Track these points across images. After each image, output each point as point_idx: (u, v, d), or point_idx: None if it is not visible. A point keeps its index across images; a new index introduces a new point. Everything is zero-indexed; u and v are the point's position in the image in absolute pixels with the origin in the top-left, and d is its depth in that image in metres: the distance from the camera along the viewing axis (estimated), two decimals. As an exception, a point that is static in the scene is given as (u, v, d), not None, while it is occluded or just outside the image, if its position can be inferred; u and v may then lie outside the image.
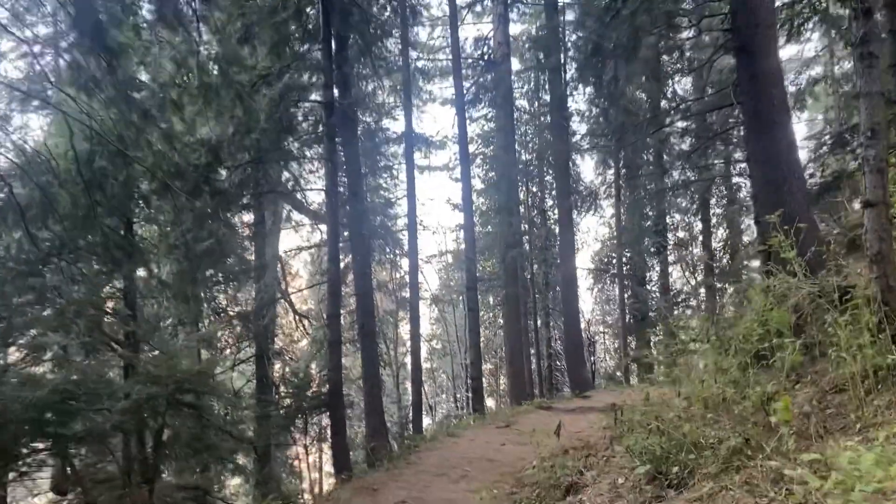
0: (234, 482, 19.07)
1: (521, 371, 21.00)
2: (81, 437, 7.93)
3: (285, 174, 16.88)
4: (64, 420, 7.85)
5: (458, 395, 33.93)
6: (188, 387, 8.22)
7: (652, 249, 28.57)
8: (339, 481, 11.24)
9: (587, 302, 34.08)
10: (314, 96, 13.18)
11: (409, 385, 26.97)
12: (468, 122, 24.56)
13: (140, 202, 11.61)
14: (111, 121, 8.51)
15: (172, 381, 7.98)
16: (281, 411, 14.95)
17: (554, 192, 28.86)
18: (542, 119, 27.03)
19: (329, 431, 14.67)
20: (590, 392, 17.86)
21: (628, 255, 28.84)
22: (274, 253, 17.02)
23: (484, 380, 24.45)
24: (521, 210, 24.04)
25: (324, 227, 19.51)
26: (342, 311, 19.14)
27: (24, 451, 9.22)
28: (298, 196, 19.76)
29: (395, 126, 24.35)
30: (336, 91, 13.13)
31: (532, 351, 26.60)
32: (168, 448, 9.72)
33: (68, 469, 13.10)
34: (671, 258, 28.81)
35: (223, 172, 11.70)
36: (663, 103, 22.26)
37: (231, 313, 15.06)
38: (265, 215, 17.25)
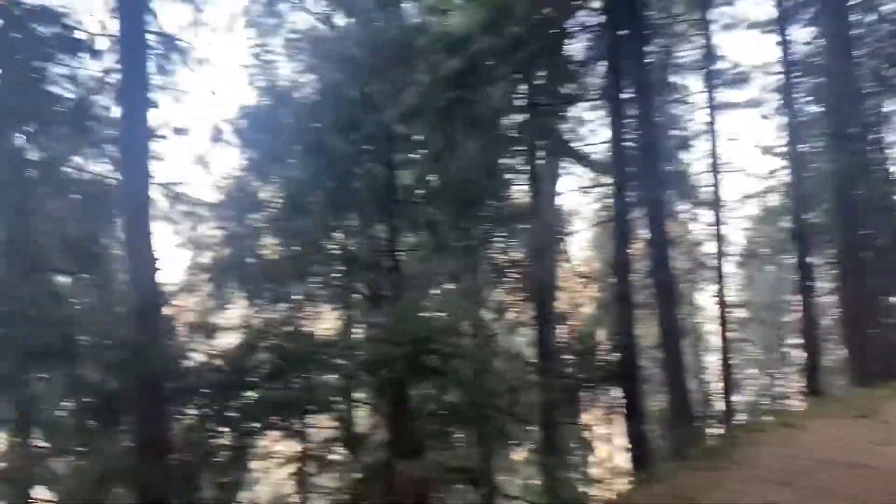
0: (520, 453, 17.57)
1: (866, 343, 16.37)
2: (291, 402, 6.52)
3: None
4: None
5: (772, 371, 29.19)
6: (431, 347, 6.37)
7: None
8: (639, 483, 8.72)
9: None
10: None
11: (710, 358, 23.54)
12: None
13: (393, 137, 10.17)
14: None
15: (410, 341, 6.18)
16: (565, 381, 12.91)
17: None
18: (881, 28, 21.22)
19: (621, 409, 12.20)
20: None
21: None
22: (550, 195, 14.83)
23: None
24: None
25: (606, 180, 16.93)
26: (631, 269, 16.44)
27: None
28: (576, 146, 17.34)
29: (687, 56, 20.54)
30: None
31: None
32: (421, 419, 8.12)
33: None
34: None
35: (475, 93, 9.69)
36: None
37: (504, 264, 13.27)
38: (541, 160, 15.10)
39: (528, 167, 14.29)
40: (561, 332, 15.34)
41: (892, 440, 8.54)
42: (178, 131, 10.22)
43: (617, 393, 14.30)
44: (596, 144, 16.67)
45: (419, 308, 8.95)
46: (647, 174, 12.30)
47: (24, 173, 10.08)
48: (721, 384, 17.14)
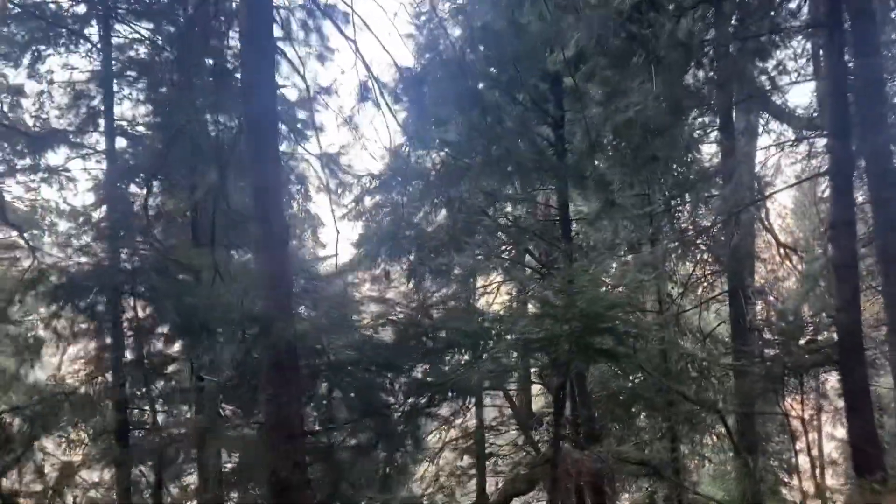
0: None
1: None
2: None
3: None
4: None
5: None
6: (604, 325, 5.38)
7: None
8: (867, 488, 7.15)
9: None
10: None
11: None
12: None
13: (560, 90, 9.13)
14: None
15: (579, 317, 5.23)
16: (767, 364, 11.28)
17: None
18: None
19: (839, 398, 10.39)
20: None
21: None
22: (746, 152, 12.98)
23: None
24: None
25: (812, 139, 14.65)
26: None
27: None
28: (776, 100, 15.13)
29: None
30: None
31: None
32: (600, 403, 7.17)
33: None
34: None
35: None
36: None
37: (691, 232, 11.78)
38: (734, 114, 13.28)
39: (720, 120, 12.56)
40: (760, 308, 13.60)
41: None
42: (327, 91, 9.93)
43: (831, 379, 12.40)
44: (803, 87, 14.45)
45: (592, 281, 7.91)
46: (868, 123, 10.25)
47: (202, 149, 10.26)
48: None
